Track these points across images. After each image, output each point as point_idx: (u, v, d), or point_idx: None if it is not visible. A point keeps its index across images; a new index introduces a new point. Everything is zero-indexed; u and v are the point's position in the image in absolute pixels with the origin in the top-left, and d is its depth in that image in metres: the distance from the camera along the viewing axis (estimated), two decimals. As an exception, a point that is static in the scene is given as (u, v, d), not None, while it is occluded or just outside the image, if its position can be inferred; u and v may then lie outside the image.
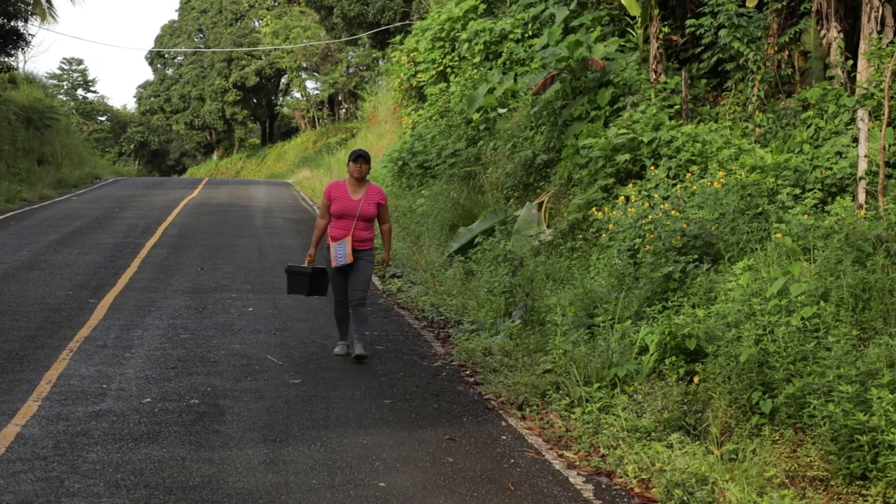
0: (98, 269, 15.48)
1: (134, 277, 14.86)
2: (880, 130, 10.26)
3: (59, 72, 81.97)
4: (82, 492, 6.40)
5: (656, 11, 15.83)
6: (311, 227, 23.50)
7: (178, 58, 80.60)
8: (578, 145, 14.44)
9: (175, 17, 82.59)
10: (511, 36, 24.12)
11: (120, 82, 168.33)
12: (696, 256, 10.24)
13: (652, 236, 10.77)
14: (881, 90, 10.51)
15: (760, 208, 10.80)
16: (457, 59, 27.87)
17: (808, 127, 12.67)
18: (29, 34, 33.93)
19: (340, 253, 10.16)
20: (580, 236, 13.44)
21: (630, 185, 12.87)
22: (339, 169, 36.07)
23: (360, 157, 10.31)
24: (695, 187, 11.65)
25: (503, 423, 8.44)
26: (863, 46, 12.34)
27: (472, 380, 9.87)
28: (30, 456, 7.05)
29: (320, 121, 69.78)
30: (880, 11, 12.36)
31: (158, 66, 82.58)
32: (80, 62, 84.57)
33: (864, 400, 6.60)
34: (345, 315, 10.63)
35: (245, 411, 8.40)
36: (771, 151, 12.32)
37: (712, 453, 7.12)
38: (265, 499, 6.43)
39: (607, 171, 13.64)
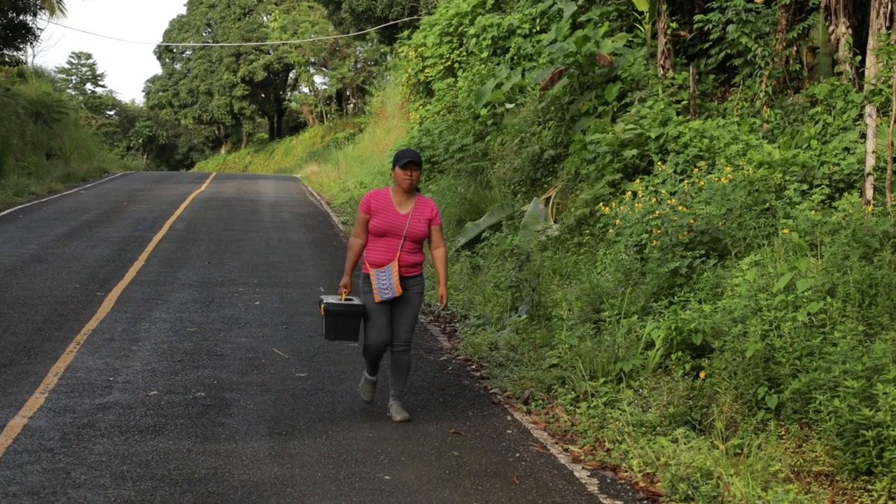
0: (106, 262, 15.51)
1: (141, 271, 14.89)
2: (888, 126, 10.23)
3: (67, 66, 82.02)
4: (88, 483, 6.42)
5: (664, 7, 15.81)
6: (319, 221, 23.62)
7: (187, 52, 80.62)
8: (586, 140, 14.42)
9: (183, 11, 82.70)
10: (519, 31, 24.09)
11: (128, 77, 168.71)
12: (702, 252, 10.23)
13: (659, 232, 10.76)
14: (889, 86, 10.49)
15: (768, 204, 10.79)
16: (464, 54, 27.84)
17: (816, 123, 12.66)
18: (38, 28, 34.06)
19: (385, 283, 8.01)
20: (587, 231, 13.43)
21: (637, 181, 12.85)
22: (346, 164, 36.06)
23: (412, 163, 8.03)
24: (702, 183, 11.63)
25: (508, 418, 8.45)
26: (871, 42, 12.30)
27: (477, 374, 9.88)
28: (36, 447, 7.08)
29: (328, 116, 69.79)
30: (889, 7, 12.31)
31: (167, 60, 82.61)
32: (88, 56, 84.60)
33: (869, 395, 6.59)
34: (379, 356, 8.30)
35: (251, 404, 8.42)
36: (779, 147, 12.31)
37: (717, 448, 7.12)
38: (270, 491, 6.45)
39: (615, 167, 13.63)
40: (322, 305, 8.17)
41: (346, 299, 8.20)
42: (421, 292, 8.24)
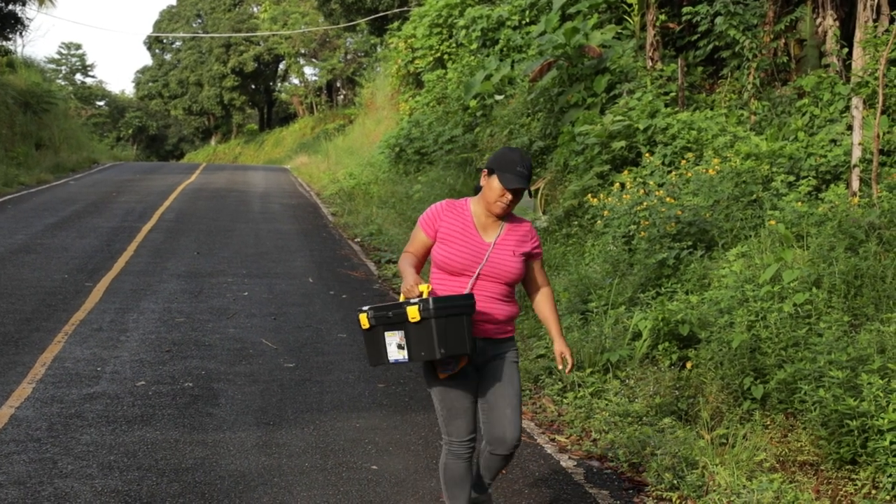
0: (94, 252, 15.49)
1: (130, 261, 14.87)
2: (874, 118, 10.27)
3: (57, 56, 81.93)
4: (75, 473, 6.43)
5: (653, -1, 15.84)
6: (309, 212, 23.61)
7: (177, 43, 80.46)
8: (574, 132, 14.45)
9: (173, 2, 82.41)
10: (508, 23, 24.10)
11: (118, 67, 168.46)
12: (690, 243, 10.27)
13: (647, 223, 10.79)
14: (876, 78, 10.52)
15: (755, 195, 10.83)
16: (454, 45, 27.85)
17: (803, 115, 12.70)
18: (27, 18, 33.97)
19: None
20: (575, 223, 13.46)
21: (626, 172, 12.89)
22: (336, 155, 36.01)
23: (518, 190, 5.24)
24: (690, 174, 11.67)
25: (496, 408, 8.46)
26: (858, 34, 12.33)
27: (465, 365, 9.88)
28: (23, 437, 7.08)
29: (318, 107, 69.71)
30: (876, 0, 12.36)
31: (157, 51, 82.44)
32: (78, 47, 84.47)
33: (854, 385, 6.63)
34: (466, 473, 5.35)
35: (239, 395, 8.42)
36: (766, 139, 12.34)
37: (703, 438, 7.16)
38: (258, 481, 6.46)
39: (603, 158, 13.66)
40: (420, 305, 4.97)
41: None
42: (517, 361, 5.43)
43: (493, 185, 5.21)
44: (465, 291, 5.20)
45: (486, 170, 5.27)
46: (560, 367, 5.48)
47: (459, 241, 5.28)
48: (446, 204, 5.45)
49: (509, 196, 5.20)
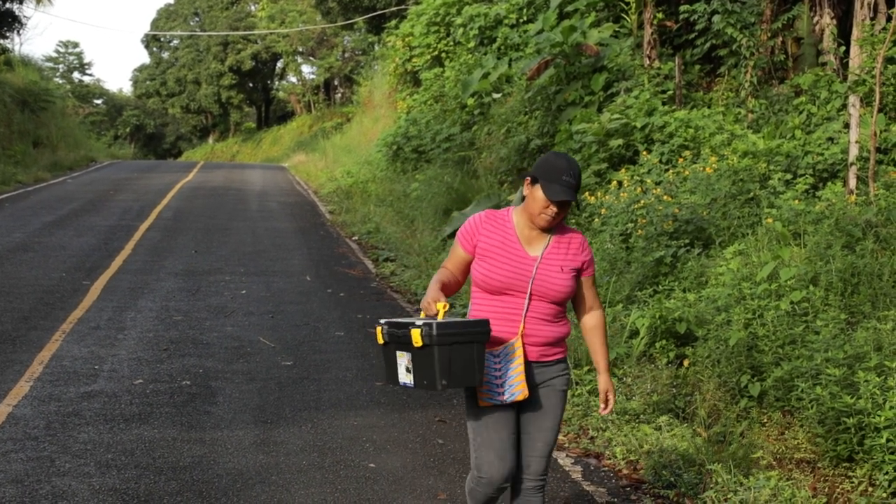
0: (92, 251, 15.49)
1: (128, 260, 14.87)
2: (871, 116, 10.29)
3: (54, 54, 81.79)
4: (73, 471, 6.43)
5: (650, -3, 15.85)
6: (306, 210, 23.60)
7: (174, 41, 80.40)
8: (572, 130, 14.46)
9: (171, 0, 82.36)
10: (506, 21, 24.10)
11: (116, 65, 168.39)
12: (687, 241, 10.28)
13: (644, 221, 10.80)
14: (873, 76, 10.54)
15: (752, 193, 10.84)
16: (452, 43, 27.84)
17: (801, 113, 12.72)
18: (24, 16, 33.99)
19: (499, 375, 4.71)
20: (573, 221, 13.46)
21: (623, 170, 12.90)
22: (334, 153, 35.99)
23: (570, 188, 4.64)
24: (687, 172, 11.68)
25: (493, 406, 8.46)
26: (855, 33, 12.36)
27: (463, 363, 9.88)
28: (21, 436, 7.08)
29: (316, 105, 69.66)
30: (873, -2, 12.39)
31: (154, 49, 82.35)
32: (76, 45, 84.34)
33: (851, 383, 6.64)
34: (495, 500, 4.92)
35: (236, 393, 8.43)
36: (763, 137, 12.36)
37: (700, 436, 7.17)
38: (255, 479, 6.46)
39: (600, 156, 13.66)
40: (422, 329, 4.48)
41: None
42: (565, 389, 4.90)
43: (536, 196, 4.65)
44: (522, 314, 4.69)
45: (528, 178, 4.71)
46: (603, 406, 5.00)
47: (501, 257, 4.74)
48: (486, 215, 4.89)
49: (554, 209, 4.63)
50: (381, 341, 4.73)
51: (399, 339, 4.61)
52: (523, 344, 4.71)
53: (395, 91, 33.26)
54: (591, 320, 4.98)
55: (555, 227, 4.77)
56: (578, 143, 14.21)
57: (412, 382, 4.61)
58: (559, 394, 4.87)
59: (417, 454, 7.13)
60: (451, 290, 4.85)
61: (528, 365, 4.75)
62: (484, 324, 4.57)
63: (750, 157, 11.53)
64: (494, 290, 4.73)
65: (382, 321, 4.76)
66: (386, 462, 6.92)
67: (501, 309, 4.73)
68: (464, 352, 4.49)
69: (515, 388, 4.67)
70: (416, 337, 4.47)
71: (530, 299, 4.70)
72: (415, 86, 30.72)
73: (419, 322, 4.50)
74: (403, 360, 4.65)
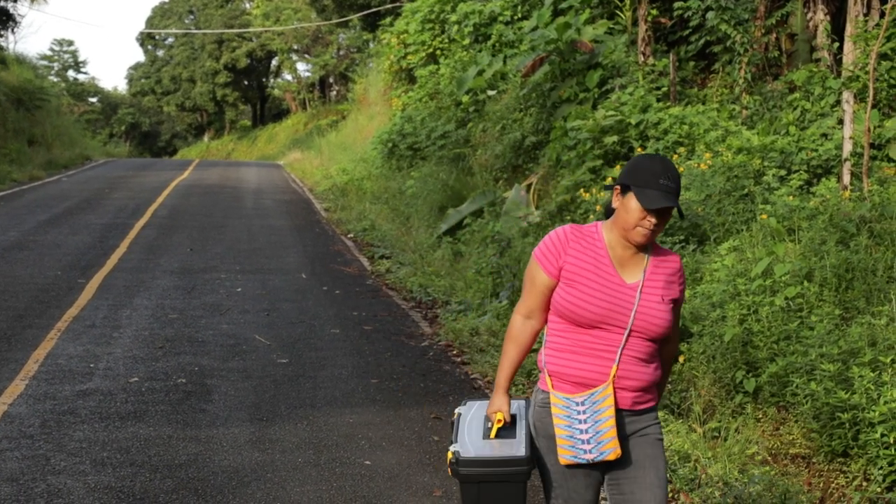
0: (87, 249, 15.49)
1: (123, 258, 14.87)
2: (865, 112, 10.30)
3: (49, 53, 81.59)
4: (68, 470, 6.44)
5: (645, -7, 15.86)
6: (302, 208, 23.57)
7: (169, 39, 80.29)
8: (567, 127, 14.45)
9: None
10: (500, 18, 24.09)
11: (111, 64, 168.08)
12: (682, 237, 10.28)
13: (638, 217, 10.80)
14: (867, 72, 10.54)
15: (746, 190, 10.84)
16: (446, 41, 27.83)
17: (795, 109, 12.72)
18: (19, 14, 33.92)
19: (587, 427, 3.92)
20: (568, 217, 13.46)
21: (618, 167, 12.89)
22: (329, 151, 35.97)
23: (669, 193, 3.87)
24: (682, 169, 11.68)
25: (489, 403, 8.47)
26: (849, 29, 12.35)
27: (458, 360, 9.92)
28: (16, 434, 7.09)
29: (311, 103, 69.61)
30: (867, -7, 12.40)
31: (149, 47, 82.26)
32: (70, 43, 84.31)
33: (845, 378, 6.65)
34: None
35: (232, 390, 8.43)
36: (757, 133, 12.37)
37: (695, 431, 7.18)
38: (251, 477, 6.47)
39: (595, 153, 13.66)
40: (452, 455, 3.95)
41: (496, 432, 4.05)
42: (662, 438, 4.11)
43: (629, 206, 3.88)
44: (617, 352, 3.93)
45: (617, 186, 3.96)
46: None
47: (593, 283, 3.94)
48: (571, 230, 4.06)
49: (652, 219, 3.87)
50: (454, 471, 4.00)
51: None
52: (614, 389, 3.93)
53: (390, 88, 33.23)
54: (663, 353, 4.17)
55: (651, 245, 4.04)
56: (573, 140, 14.20)
57: None
58: (657, 444, 4.06)
59: (413, 451, 7.14)
60: (528, 348, 4.14)
61: (619, 414, 3.96)
62: (522, 461, 3.88)
63: (744, 154, 11.54)
64: (583, 323, 3.94)
65: (461, 406, 4.27)
66: (381, 459, 6.93)
67: (590, 345, 3.95)
68: (496, 492, 3.88)
69: (606, 444, 3.88)
70: (448, 459, 3.96)
71: (629, 336, 3.93)
72: (410, 83, 30.70)
73: (452, 447, 3.97)
74: None
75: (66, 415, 7.60)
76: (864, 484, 6.19)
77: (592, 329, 3.94)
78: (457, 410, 4.24)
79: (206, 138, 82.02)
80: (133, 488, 6.18)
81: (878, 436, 6.04)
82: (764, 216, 9.67)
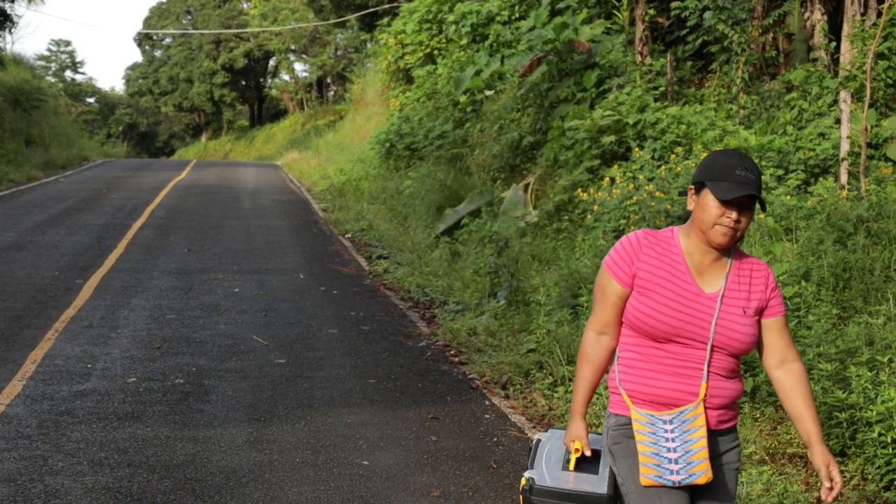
0: (85, 249, 15.47)
1: (121, 258, 14.86)
2: (862, 112, 10.31)
3: (46, 53, 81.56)
4: (66, 470, 6.43)
5: (642, -7, 15.87)
6: (299, 208, 23.56)
7: (167, 39, 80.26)
8: (564, 127, 14.47)
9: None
10: (498, 18, 24.10)
11: (108, 64, 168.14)
12: (679, 237, 10.28)
13: (636, 217, 10.81)
14: (864, 72, 10.57)
15: (744, 189, 10.85)
16: (444, 41, 27.83)
17: (792, 108, 12.74)
18: (16, 15, 33.84)
19: (675, 447, 3.65)
20: (566, 217, 13.48)
21: (615, 167, 12.91)
22: (327, 151, 35.96)
23: (748, 183, 3.58)
24: (679, 168, 11.69)
25: (487, 402, 8.48)
26: (846, 28, 12.39)
27: (456, 360, 9.91)
28: (14, 435, 7.08)
29: (308, 103, 69.60)
30: (864, -7, 12.42)
31: (147, 47, 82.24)
32: (68, 43, 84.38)
33: (843, 378, 6.66)
34: None
35: (230, 391, 8.43)
36: (755, 133, 12.39)
37: (693, 431, 7.17)
38: (249, 477, 6.47)
39: (593, 153, 13.67)
40: (526, 481, 3.85)
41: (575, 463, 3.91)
42: (738, 465, 3.87)
43: (705, 204, 3.61)
44: (703, 369, 3.65)
45: (691, 186, 3.74)
46: (827, 486, 3.65)
47: (668, 292, 3.68)
48: (644, 235, 3.79)
49: (732, 214, 3.57)
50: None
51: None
52: (704, 405, 3.66)
53: (387, 88, 33.24)
54: (790, 377, 3.77)
55: (733, 251, 3.75)
56: (571, 140, 14.22)
57: None
58: (733, 473, 3.82)
59: (411, 451, 7.14)
60: (604, 368, 3.89)
61: (712, 434, 3.71)
62: (604, 500, 3.70)
63: (742, 153, 11.55)
64: (659, 336, 3.68)
65: (543, 433, 4.11)
66: (379, 459, 6.93)
67: (669, 362, 3.69)
68: None
69: (697, 465, 3.60)
70: (521, 486, 3.83)
71: (712, 351, 3.66)
72: (407, 83, 30.71)
73: (527, 473, 3.85)
74: None
75: (64, 415, 7.59)
76: (862, 483, 6.20)
77: (669, 343, 3.67)
78: (537, 436, 4.09)
79: (203, 138, 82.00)
80: (131, 489, 6.17)
81: (875, 435, 6.05)
82: (761, 215, 9.67)
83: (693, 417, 3.62)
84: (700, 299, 3.65)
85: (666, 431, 3.62)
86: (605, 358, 3.83)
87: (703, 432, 3.60)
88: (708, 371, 3.65)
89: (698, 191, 3.66)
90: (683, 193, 3.78)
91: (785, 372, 3.76)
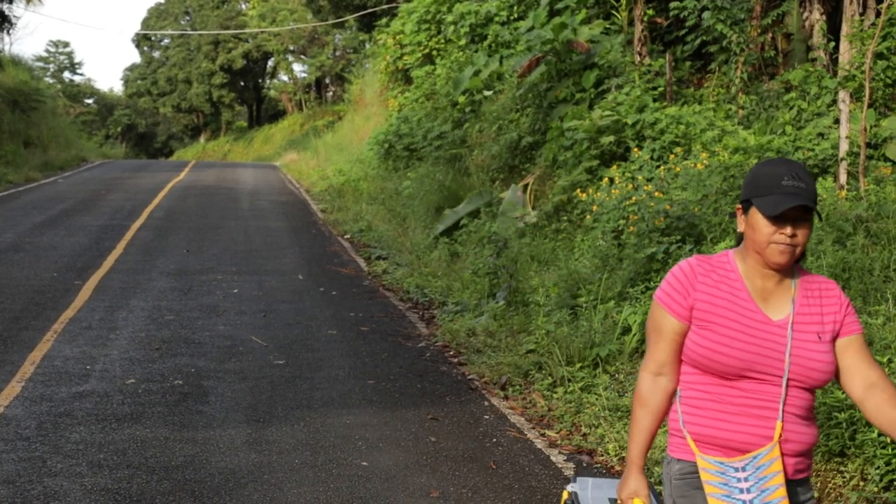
0: (83, 251, 15.47)
1: (119, 259, 14.85)
2: (861, 112, 10.31)
3: (45, 54, 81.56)
4: (65, 471, 6.43)
5: (641, -7, 15.87)
6: (298, 209, 23.56)
7: (165, 40, 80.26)
8: (563, 127, 14.46)
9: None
10: (496, 18, 24.09)
11: (107, 65, 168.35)
12: (679, 237, 10.28)
13: (635, 217, 10.80)
14: (862, 72, 10.56)
15: (743, 189, 10.85)
16: (443, 41, 27.82)
17: (791, 108, 12.73)
18: (14, 16, 33.89)
19: (751, 497, 3.23)
20: (565, 218, 13.47)
21: (614, 167, 12.90)
22: (325, 152, 35.95)
23: (798, 193, 3.20)
24: (678, 169, 11.68)
25: (486, 403, 8.48)
26: (845, 28, 12.38)
27: (455, 360, 9.91)
28: (12, 436, 7.07)
29: (307, 103, 69.59)
30: (863, -7, 12.42)
31: (145, 48, 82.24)
32: (66, 44, 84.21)
33: (842, 378, 6.65)
34: None
35: (229, 392, 8.42)
36: (754, 133, 12.38)
37: (692, 432, 7.17)
38: (248, 478, 6.46)
39: (592, 153, 13.66)
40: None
41: None
42: None
43: (755, 223, 3.25)
44: (778, 408, 3.28)
45: (739, 206, 3.37)
46: None
47: (732, 323, 3.30)
48: (698, 262, 3.42)
49: (786, 230, 3.20)
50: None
51: None
52: (781, 451, 3.27)
53: (386, 89, 33.22)
54: (881, 394, 3.29)
55: (796, 271, 3.39)
56: (570, 141, 14.21)
57: None
58: None
59: (410, 452, 7.13)
60: (665, 412, 3.48)
61: (790, 484, 3.31)
62: None
63: (741, 153, 11.54)
64: (727, 373, 3.30)
65: (573, 485, 3.82)
66: (378, 460, 6.92)
67: (739, 401, 3.30)
68: None
69: None
70: None
71: (787, 386, 3.28)
72: (406, 84, 30.70)
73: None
74: None
75: (63, 417, 7.58)
76: (861, 483, 6.19)
77: (739, 380, 3.28)
78: (569, 488, 3.78)
79: (202, 139, 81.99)
80: (130, 490, 6.17)
81: (875, 435, 6.04)
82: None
83: (769, 462, 3.25)
84: (768, 328, 3.29)
85: (739, 481, 3.25)
86: (664, 402, 3.43)
87: (781, 479, 3.24)
88: (783, 410, 3.27)
89: (746, 210, 3.32)
90: (733, 215, 3.45)
91: (875, 389, 3.30)
